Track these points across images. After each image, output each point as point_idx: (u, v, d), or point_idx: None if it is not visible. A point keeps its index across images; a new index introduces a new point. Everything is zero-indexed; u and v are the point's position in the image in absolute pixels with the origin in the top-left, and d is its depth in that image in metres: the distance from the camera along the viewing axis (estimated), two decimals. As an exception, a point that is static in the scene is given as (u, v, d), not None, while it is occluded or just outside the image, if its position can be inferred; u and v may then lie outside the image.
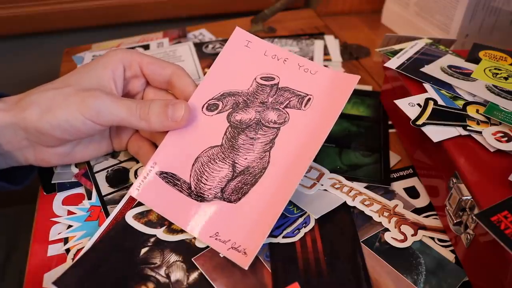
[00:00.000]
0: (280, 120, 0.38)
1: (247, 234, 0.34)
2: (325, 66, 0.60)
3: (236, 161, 0.37)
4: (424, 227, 0.37)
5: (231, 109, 0.39)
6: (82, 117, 0.34)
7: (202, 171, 0.37)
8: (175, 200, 0.36)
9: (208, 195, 0.36)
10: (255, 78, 0.40)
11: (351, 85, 0.37)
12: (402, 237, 0.36)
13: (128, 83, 0.40)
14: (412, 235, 0.36)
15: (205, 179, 0.37)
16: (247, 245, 0.33)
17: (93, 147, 0.41)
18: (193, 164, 0.37)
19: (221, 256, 0.34)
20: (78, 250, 0.35)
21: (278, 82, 0.40)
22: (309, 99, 0.38)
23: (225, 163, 0.37)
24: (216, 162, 0.37)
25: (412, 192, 0.41)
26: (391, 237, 0.36)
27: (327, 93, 0.38)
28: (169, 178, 0.37)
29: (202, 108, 0.39)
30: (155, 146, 0.40)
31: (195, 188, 0.37)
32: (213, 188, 0.36)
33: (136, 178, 0.41)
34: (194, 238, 0.35)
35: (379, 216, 0.38)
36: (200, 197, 0.36)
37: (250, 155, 0.37)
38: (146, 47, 0.63)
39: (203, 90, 0.40)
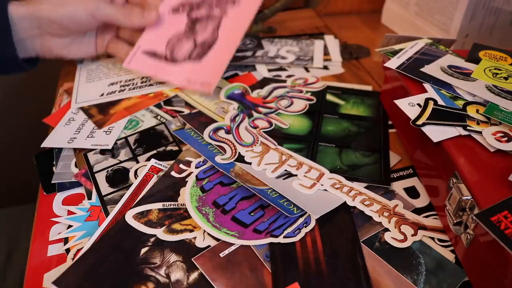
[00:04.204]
0: (223, 12, 0.56)
1: (210, 73, 0.53)
2: (325, 66, 0.60)
3: (195, 38, 0.55)
4: (424, 227, 0.37)
5: (188, 10, 0.56)
6: (85, 11, 0.49)
7: (173, 47, 0.55)
8: (157, 65, 0.54)
9: (179, 58, 0.54)
10: None
11: None
12: (402, 237, 0.36)
13: None
14: (412, 235, 0.36)
15: (176, 51, 0.55)
16: (211, 79, 0.52)
17: (84, 46, 0.54)
18: (167, 44, 0.55)
19: (221, 256, 0.34)
20: (78, 250, 0.35)
21: None
22: None
23: (189, 40, 0.55)
24: (182, 41, 0.55)
25: (412, 192, 0.41)
26: (391, 237, 0.36)
27: None
28: (150, 53, 0.55)
29: (169, 11, 0.56)
30: (130, 45, 0.55)
31: (170, 57, 0.54)
32: (182, 55, 0.54)
33: (136, 178, 0.42)
34: (194, 238, 0.35)
35: (379, 216, 0.38)
36: (174, 61, 0.54)
37: (205, 34, 0.55)
38: (146, 47, 0.63)
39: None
